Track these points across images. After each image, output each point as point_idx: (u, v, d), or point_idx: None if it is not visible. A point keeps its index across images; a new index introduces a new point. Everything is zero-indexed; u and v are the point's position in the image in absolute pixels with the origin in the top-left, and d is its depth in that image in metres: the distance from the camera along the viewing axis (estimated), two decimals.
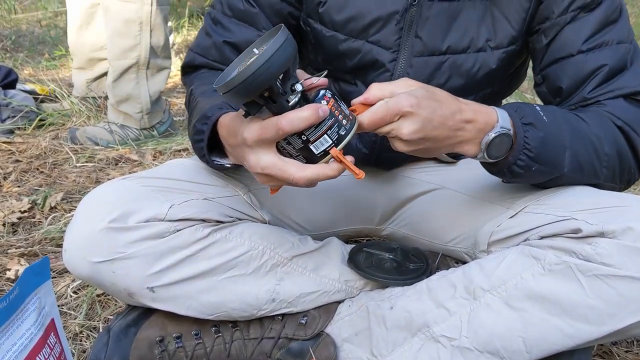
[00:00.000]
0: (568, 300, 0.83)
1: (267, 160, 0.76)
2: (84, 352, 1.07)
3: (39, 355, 0.70)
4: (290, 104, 0.73)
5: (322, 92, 0.76)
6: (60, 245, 0.93)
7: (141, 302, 0.94)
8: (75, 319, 1.16)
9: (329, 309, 1.02)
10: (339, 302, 1.03)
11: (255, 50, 0.73)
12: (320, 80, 0.78)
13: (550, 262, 0.86)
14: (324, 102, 0.74)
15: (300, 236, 1.05)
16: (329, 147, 0.75)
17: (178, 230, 0.90)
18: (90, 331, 1.13)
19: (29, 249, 1.40)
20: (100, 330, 0.98)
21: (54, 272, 1.28)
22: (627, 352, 1.05)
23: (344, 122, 0.76)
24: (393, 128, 0.80)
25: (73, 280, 1.26)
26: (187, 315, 0.95)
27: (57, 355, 0.74)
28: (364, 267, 1.03)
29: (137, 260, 0.89)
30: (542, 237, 0.89)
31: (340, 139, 0.75)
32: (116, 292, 0.93)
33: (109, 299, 1.21)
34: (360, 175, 0.75)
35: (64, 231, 0.92)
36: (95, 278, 0.91)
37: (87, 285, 1.22)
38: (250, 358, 0.98)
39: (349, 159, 0.76)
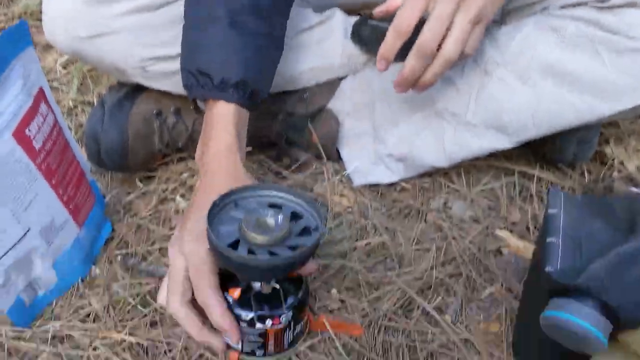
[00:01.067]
0: (585, 75, 0.79)
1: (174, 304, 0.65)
2: (81, 126, 1.05)
3: (31, 125, 0.67)
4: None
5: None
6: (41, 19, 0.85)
7: (133, 80, 0.89)
8: (67, 93, 1.12)
9: (331, 84, 0.98)
10: (342, 78, 0.99)
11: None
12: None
13: (570, 34, 0.80)
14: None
15: (300, 9, 0.96)
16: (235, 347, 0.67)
17: (169, 4, 0.82)
18: (85, 105, 1.10)
19: (9, 23, 1.32)
20: (95, 105, 0.95)
21: (38, 46, 1.21)
22: (631, 123, 1.04)
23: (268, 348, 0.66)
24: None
25: (61, 55, 1.20)
26: (183, 93, 0.91)
27: (50, 125, 0.71)
28: (368, 42, 0.96)
29: (125, 36, 0.82)
30: (562, 7, 0.82)
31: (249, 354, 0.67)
32: (105, 69, 0.88)
33: (101, 74, 1.16)
34: None
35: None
36: (81, 55, 0.85)
37: (77, 60, 1.16)
38: (251, 132, 0.97)
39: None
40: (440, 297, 0.79)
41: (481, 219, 0.90)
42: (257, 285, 0.63)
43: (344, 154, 0.98)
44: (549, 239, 0.62)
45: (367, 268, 0.81)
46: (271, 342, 0.65)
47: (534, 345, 0.69)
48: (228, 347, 0.66)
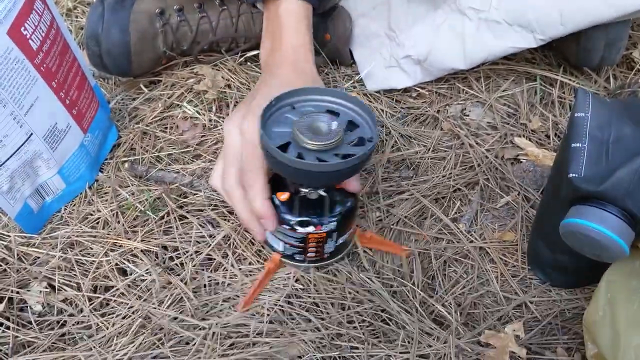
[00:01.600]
0: None
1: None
2: (81, 28, 1.01)
3: (27, 23, 0.64)
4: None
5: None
6: None
7: None
8: None
9: None
10: None
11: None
12: None
13: None
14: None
15: None
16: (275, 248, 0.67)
17: None
18: (85, 7, 1.05)
19: None
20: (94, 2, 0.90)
21: None
22: None
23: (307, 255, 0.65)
24: None
25: None
26: None
27: (47, 24, 0.67)
28: None
29: None
30: None
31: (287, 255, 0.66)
32: None
33: None
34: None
35: None
36: None
37: None
38: (259, 34, 0.92)
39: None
40: (455, 206, 0.77)
41: (500, 126, 0.87)
42: (304, 190, 0.62)
43: (356, 55, 0.93)
44: (573, 144, 0.58)
45: (381, 176, 0.79)
46: (311, 249, 0.64)
47: (549, 254, 0.67)
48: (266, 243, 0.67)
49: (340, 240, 0.65)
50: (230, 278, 0.68)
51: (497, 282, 0.70)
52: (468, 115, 0.89)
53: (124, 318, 0.65)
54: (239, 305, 0.65)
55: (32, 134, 0.68)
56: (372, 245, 0.71)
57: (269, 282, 0.68)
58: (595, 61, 0.88)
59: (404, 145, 0.83)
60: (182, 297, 0.66)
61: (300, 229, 0.62)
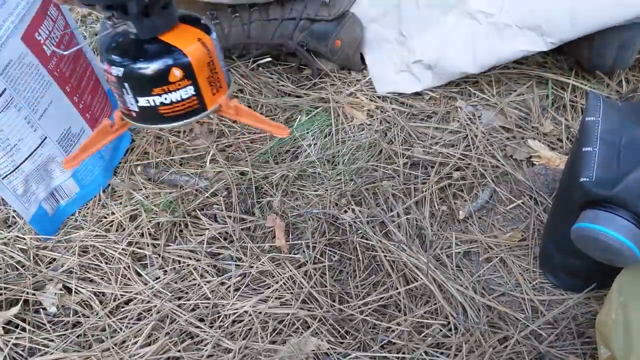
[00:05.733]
0: None
1: None
2: (95, 34, 1.02)
3: (41, 28, 0.65)
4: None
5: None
6: None
7: None
8: None
9: None
10: None
11: None
12: None
13: None
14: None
15: None
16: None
17: None
18: (100, 13, 1.06)
19: None
20: None
21: None
22: None
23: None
24: None
25: None
26: None
27: (61, 29, 0.69)
28: None
29: None
30: None
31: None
32: None
33: None
34: None
35: None
36: None
37: None
38: (271, 40, 0.93)
39: None
40: (464, 201, 0.77)
41: (512, 129, 0.87)
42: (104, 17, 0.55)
43: (368, 60, 0.94)
44: (584, 148, 0.58)
45: (387, 175, 0.79)
46: (116, 95, 0.58)
47: (561, 258, 0.67)
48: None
49: (142, 102, 0.57)
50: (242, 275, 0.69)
51: (509, 284, 0.70)
52: (479, 118, 0.89)
53: (138, 319, 0.66)
54: (64, 162, 0.62)
55: (46, 137, 0.69)
56: (244, 120, 0.61)
57: (107, 141, 0.62)
58: (607, 65, 0.87)
59: (414, 145, 0.83)
60: (197, 302, 0.67)
61: (101, 64, 0.56)
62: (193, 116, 0.58)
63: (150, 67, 0.53)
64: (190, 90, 0.55)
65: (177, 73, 0.54)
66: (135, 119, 0.58)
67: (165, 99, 0.55)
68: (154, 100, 0.55)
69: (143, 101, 0.55)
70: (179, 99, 0.56)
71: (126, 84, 0.55)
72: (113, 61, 0.54)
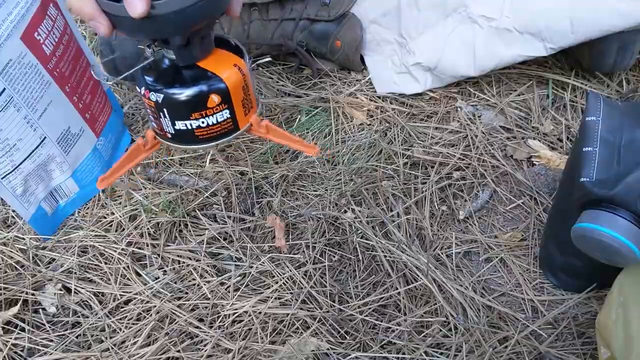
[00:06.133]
0: None
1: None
2: (95, 34, 1.02)
3: (40, 28, 0.65)
4: None
5: None
6: None
7: None
8: None
9: None
10: None
11: None
12: None
13: None
14: None
15: None
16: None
17: None
18: None
19: None
20: None
21: None
22: None
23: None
24: None
25: None
26: None
27: (61, 29, 0.68)
28: None
29: None
30: None
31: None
32: None
33: None
34: None
35: None
36: None
37: None
38: (271, 40, 0.93)
39: None
40: (464, 201, 0.77)
41: (512, 129, 0.87)
42: (145, 48, 0.56)
43: (368, 61, 0.94)
44: (585, 148, 0.58)
45: (387, 175, 0.79)
46: (153, 118, 0.58)
47: (561, 258, 0.67)
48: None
49: (179, 126, 0.58)
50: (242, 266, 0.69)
51: (509, 284, 0.70)
52: (479, 118, 0.89)
53: (138, 320, 0.66)
54: (98, 181, 0.63)
55: (45, 137, 0.69)
56: (274, 138, 0.63)
57: (140, 159, 0.65)
58: (608, 65, 0.87)
59: (414, 145, 0.83)
60: (196, 302, 0.67)
61: (138, 89, 0.58)
62: (227, 136, 0.60)
63: (189, 94, 0.55)
64: (226, 114, 0.57)
65: (215, 99, 0.56)
66: (170, 140, 0.60)
67: (203, 122, 0.57)
68: (191, 124, 0.57)
69: (180, 125, 0.58)
70: (215, 122, 0.57)
71: (164, 110, 0.56)
72: (151, 87, 0.56)
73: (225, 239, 0.73)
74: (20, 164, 0.68)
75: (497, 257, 0.73)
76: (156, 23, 0.49)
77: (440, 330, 0.65)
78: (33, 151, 0.68)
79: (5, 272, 0.70)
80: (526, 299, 0.69)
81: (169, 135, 0.59)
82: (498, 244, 0.74)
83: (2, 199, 0.76)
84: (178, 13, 0.48)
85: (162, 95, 0.55)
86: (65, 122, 0.71)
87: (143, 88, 0.56)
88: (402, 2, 0.89)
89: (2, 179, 0.67)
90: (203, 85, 0.55)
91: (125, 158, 0.64)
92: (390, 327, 0.65)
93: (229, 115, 0.58)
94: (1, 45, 0.60)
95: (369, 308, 0.66)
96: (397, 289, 0.68)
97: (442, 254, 0.72)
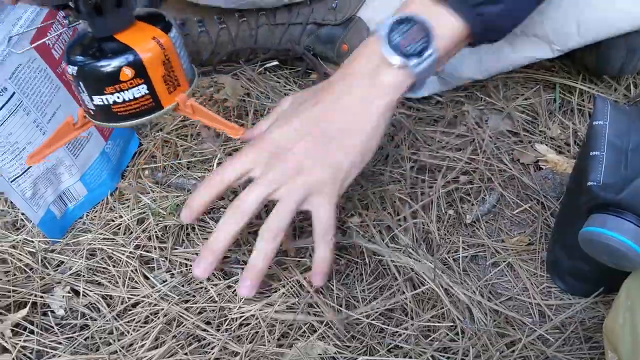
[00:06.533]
0: None
1: None
2: None
3: (50, 32, 0.65)
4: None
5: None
6: None
7: None
8: None
9: None
10: None
11: None
12: None
13: None
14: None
15: None
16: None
17: None
18: None
19: None
20: None
21: None
22: None
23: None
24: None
25: None
26: (209, 4, 0.87)
27: (70, 33, 0.69)
28: None
29: None
30: None
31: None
32: None
33: None
34: None
35: None
36: None
37: None
38: (278, 45, 0.93)
39: None
40: (471, 205, 0.77)
41: (518, 133, 0.87)
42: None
43: None
44: (592, 152, 0.58)
45: (393, 179, 0.80)
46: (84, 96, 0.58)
47: (568, 262, 0.67)
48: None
49: (96, 101, 0.57)
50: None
51: (516, 289, 0.70)
52: (486, 122, 0.89)
53: (145, 322, 0.66)
54: (27, 158, 0.63)
55: None
56: (200, 118, 0.62)
57: (70, 138, 0.64)
58: (615, 69, 0.87)
59: (421, 149, 0.83)
60: (204, 305, 0.67)
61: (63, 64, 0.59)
62: (149, 114, 0.58)
63: (100, 66, 0.54)
64: (143, 89, 0.56)
65: (127, 72, 0.54)
66: (94, 117, 0.60)
67: (118, 97, 0.56)
68: (107, 99, 0.56)
69: (97, 100, 0.57)
70: (132, 97, 0.56)
71: (80, 83, 0.56)
72: (69, 60, 0.55)
73: (232, 243, 0.73)
74: (30, 167, 0.68)
75: (504, 261, 0.73)
76: None
77: (447, 335, 0.65)
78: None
79: (15, 274, 0.70)
80: (533, 303, 0.69)
81: (92, 113, 0.59)
82: (505, 248, 0.74)
83: (11, 202, 0.77)
84: None
85: (75, 68, 0.55)
86: None
87: (64, 62, 0.56)
88: None
89: (11, 182, 0.68)
90: (116, 58, 0.54)
91: (54, 136, 0.63)
92: (397, 331, 0.65)
93: (147, 91, 0.56)
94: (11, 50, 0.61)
95: (376, 312, 0.66)
96: (403, 292, 0.68)
97: (449, 257, 0.72)
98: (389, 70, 0.57)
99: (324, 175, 0.59)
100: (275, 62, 0.97)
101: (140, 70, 0.55)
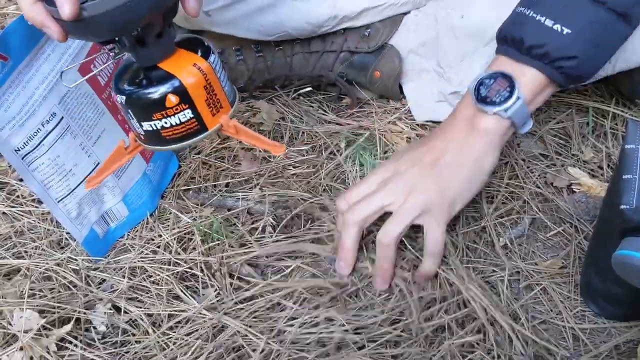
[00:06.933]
0: None
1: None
2: None
3: (96, 60, 0.69)
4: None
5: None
6: None
7: (199, 26, 0.90)
8: None
9: (394, 20, 0.94)
10: (405, 13, 0.95)
11: None
12: None
13: None
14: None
15: None
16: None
17: None
18: None
19: None
20: None
21: None
22: None
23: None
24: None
25: None
26: (247, 37, 0.91)
27: (116, 61, 0.72)
28: None
29: None
30: None
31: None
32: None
33: None
34: None
35: None
36: None
37: None
38: (312, 72, 0.96)
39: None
40: (504, 228, 0.77)
41: (551, 156, 0.87)
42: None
43: (406, 91, 0.96)
44: (625, 176, 0.59)
45: None
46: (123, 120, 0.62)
47: (603, 286, 0.67)
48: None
49: (146, 127, 0.60)
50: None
51: (551, 312, 0.70)
52: (519, 145, 0.89)
53: (186, 338, 0.68)
54: (86, 182, 0.68)
55: (99, 163, 0.73)
56: (242, 138, 0.64)
57: (123, 162, 0.67)
58: None
59: None
60: (247, 322, 0.69)
61: (112, 94, 0.61)
62: (195, 137, 0.61)
63: (147, 94, 0.57)
64: (188, 114, 0.59)
65: (172, 99, 0.57)
66: (144, 142, 0.63)
67: (166, 123, 0.59)
68: (155, 125, 0.59)
69: (146, 125, 0.60)
70: (178, 122, 0.59)
71: (129, 110, 0.59)
72: (117, 89, 0.59)
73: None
74: (75, 188, 0.71)
75: (537, 284, 0.73)
76: (92, 24, 0.51)
77: (484, 358, 0.65)
78: (87, 176, 0.72)
79: (59, 291, 0.73)
80: (567, 327, 0.68)
81: (142, 137, 0.62)
82: (538, 271, 0.74)
83: (57, 222, 0.80)
84: (109, 13, 0.50)
85: (124, 97, 0.58)
86: None
87: (113, 91, 0.59)
88: (440, 32, 0.91)
89: (58, 202, 0.71)
90: (160, 86, 0.57)
91: (109, 160, 0.66)
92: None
93: (192, 116, 0.59)
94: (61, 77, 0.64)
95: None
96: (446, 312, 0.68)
97: (483, 280, 0.72)
98: (484, 117, 0.67)
99: (433, 196, 0.67)
100: (309, 88, 0.99)
101: (184, 96, 0.57)
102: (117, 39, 0.56)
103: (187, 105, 0.58)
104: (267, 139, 0.64)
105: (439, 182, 0.68)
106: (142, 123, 0.60)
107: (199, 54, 0.59)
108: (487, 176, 0.69)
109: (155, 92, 0.57)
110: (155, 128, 0.59)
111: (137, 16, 0.52)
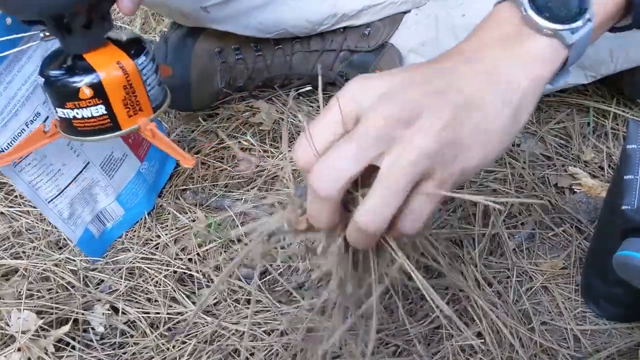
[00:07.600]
0: None
1: None
2: None
3: None
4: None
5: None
6: None
7: (197, 23, 0.89)
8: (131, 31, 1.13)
9: (394, 19, 0.94)
10: (405, 12, 0.95)
11: None
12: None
13: None
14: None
15: None
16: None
17: None
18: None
19: None
20: (157, 41, 0.95)
21: None
22: None
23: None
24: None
25: None
26: (245, 34, 0.90)
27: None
28: None
29: None
30: None
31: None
32: (168, 13, 0.88)
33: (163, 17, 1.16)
34: None
35: None
36: (146, 1, 0.85)
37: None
38: (311, 71, 0.95)
39: None
40: (507, 231, 0.77)
41: (552, 157, 0.86)
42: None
43: None
44: (626, 176, 0.58)
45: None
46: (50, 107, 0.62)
47: (603, 287, 0.66)
48: None
49: (60, 113, 0.61)
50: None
51: (551, 313, 0.69)
52: (519, 145, 0.89)
53: (184, 341, 0.68)
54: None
55: (89, 162, 0.73)
56: (157, 144, 0.64)
57: (40, 144, 0.66)
58: None
59: None
60: (244, 325, 0.69)
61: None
62: (107, 133, 0.62)
63: (62, 81, 0.58)
64: (101, 109, 0.59)
65: (87, 91, 0.58)
66: (60, 128, 0.64)
67: (77, 113, 0.59)
68: (68, 113, 0.60)
69: (60, 112, 0.61)
70: (90, 115, 0.60)
71: (47, 94, 0.60)
72: (40, 70, 0.60)
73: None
74: (65, 188, 0.71)
75: (538, 284, 0.72)
76: (17, 2, 0.52)
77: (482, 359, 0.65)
78: (77, 175, 0.72)
79: (57, 292, 0.73)
80: (567, 328, 0.68)
81: (58, 124, 0.63)
82: (540, 271, 0.74)
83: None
84: None
85: (42, 79, 0.59)
86: (108, 148, 0.75)
87: (37, 72, 0.60)
88: (440, 32, 0.90)
89: (48, 203, 0.70)
90: (77, 76, 0.57)
91: (25, 142, 0.66)
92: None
93: (105, 112, 0.60)
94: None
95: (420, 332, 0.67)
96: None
97: (484, 280, 0.72)
98: (535, 38, 0.41)
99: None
100: (309, 87, 0.99)
101: (99, 91, 0.58)
102: (45, 20, 0.56)
103: (100, 101, 0.59)
104: (179, 149, 0.65)
105: (455, 131, 0.39)
106: (57, 109, 0.60)
107: (130, 53, 0.59)
108: (520, 132, 0.47)
109: (71, 81, 0.58)
110: (67, 116, 0.60)
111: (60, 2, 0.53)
